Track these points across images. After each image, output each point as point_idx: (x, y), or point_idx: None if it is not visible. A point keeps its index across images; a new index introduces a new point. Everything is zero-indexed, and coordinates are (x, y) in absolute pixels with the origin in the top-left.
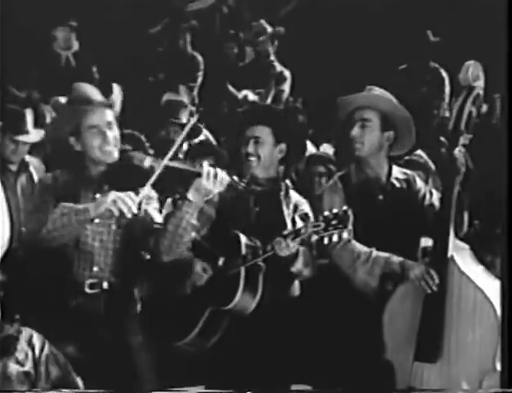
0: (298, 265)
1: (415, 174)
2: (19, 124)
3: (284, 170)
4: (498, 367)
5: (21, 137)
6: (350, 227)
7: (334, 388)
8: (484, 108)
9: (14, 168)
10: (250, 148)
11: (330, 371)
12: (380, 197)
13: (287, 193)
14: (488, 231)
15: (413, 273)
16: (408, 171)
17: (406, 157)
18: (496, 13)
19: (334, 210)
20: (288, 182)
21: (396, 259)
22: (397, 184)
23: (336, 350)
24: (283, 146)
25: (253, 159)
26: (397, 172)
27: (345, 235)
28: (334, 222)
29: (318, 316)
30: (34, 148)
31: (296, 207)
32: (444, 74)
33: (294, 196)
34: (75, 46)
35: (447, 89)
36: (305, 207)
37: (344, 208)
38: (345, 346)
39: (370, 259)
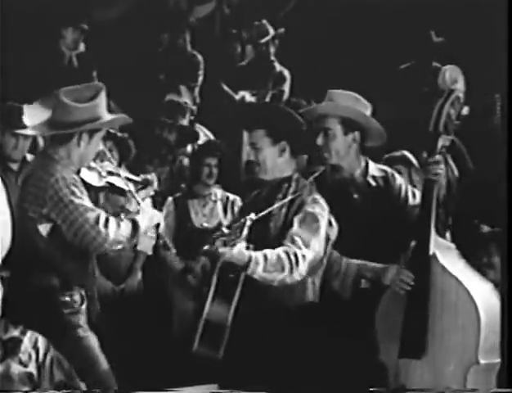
0: (258, 271)
1: (395, 172)
2: (17, 119)
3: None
4: (481, 360)
5: (21, 131)
6: (243, 235)
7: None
8: (465, 110)
9: (15, 167)
10: (251, 156)
11: (324, 376)
12: (356, 196)
13: (296, 191)
14: (488, 231)
15: (386, 277)
16: (387, 168)
17: (386, 155)
18: (497, 13)
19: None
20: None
21: (368, 265)
22: (373, 183)
23: (329, 353)
24: (283, 143)
25: (256, 168)
26: (374, 170)
27: (243, 244)
28: (237, 231)
29: (307, 320)
30: (36, 147)
31: (299, 208)
32: None
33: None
34: (81, 47)
35: None
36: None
37: (243, 219)
38: (338, 350)
39: (342, 270)
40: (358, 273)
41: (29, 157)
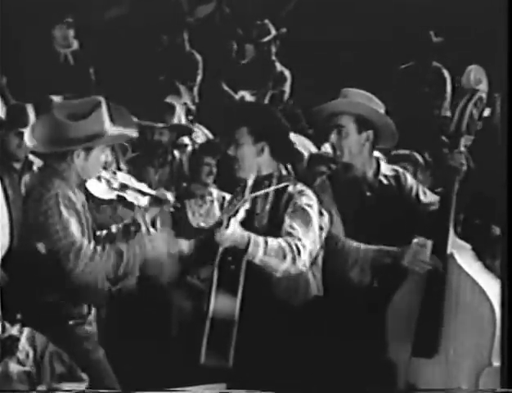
0: (258, 254)
1: (406, 171)
2: (21, 118)
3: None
4: (494, 362)
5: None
6: (238, 216)
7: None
8: (487, 111)
9: (18, 166)
10: (231, 151)
11: (332, 373)
12: (369, 194)
13: (283, 189)
14: (488, 231)
15: (404, 259)
16: (398, 168)
17: (394, 152)
18: (497, 13)
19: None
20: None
21: (384, 249)
22: (386, 181)
23: (337, 351)
24: (262, 144)
25: (236, 164)
26: (386, 169)
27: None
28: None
29: (318, 314)
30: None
31: (287, 202)
32: (446, 74)
33: (294, 188)
34: (75, 45)
35: (449, 89)
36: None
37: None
38: (346, 347)
39: (360, 258)
40: (375, 259)
41: (32, 157)
